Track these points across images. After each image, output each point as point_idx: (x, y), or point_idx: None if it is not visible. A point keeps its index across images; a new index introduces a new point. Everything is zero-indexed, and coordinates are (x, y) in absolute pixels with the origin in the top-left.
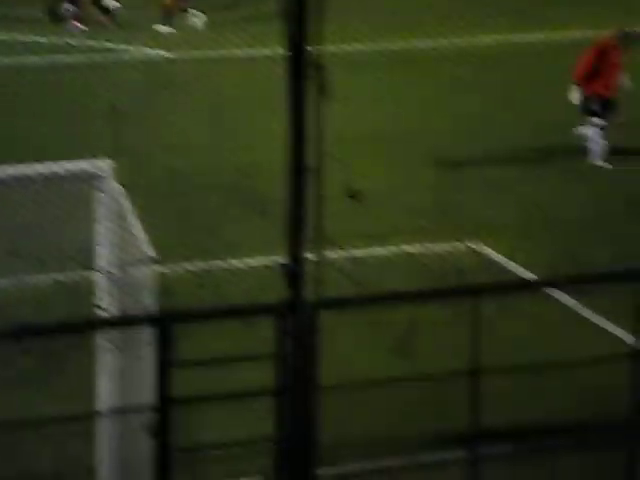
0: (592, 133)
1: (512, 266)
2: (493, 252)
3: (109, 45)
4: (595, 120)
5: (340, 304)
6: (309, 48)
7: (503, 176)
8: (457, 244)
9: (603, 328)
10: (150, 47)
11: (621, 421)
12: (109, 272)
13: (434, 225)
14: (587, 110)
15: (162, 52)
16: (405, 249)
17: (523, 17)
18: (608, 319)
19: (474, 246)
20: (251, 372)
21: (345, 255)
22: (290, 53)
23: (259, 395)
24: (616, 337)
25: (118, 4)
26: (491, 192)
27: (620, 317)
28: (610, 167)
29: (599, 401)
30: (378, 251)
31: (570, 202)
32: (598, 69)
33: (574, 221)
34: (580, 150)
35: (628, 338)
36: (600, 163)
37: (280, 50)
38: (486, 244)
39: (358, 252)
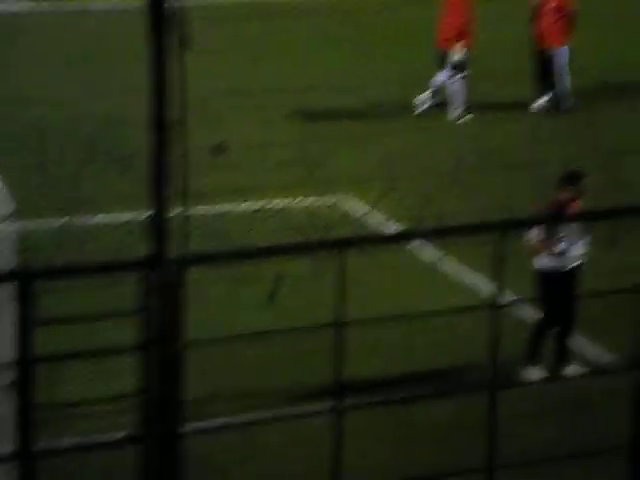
0: (454, 85)
1: (376, 218)
2: (358, 204)
3: None
4: (458, 73)
5: (205, 259)
6: (172, 3)
7: (367, 130)
8: (323, 197)
9: (464, 279)
10: None
11: (479, 369)
12: None
13: (300, 179)
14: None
15: (24, 2)
16: (272, 203)
17: None
18: (468, 269)
19: (339, 199)
20: (117, 329)
21: (211, 210)
22: (149, 5)
23: (124, 351)
24: (477, 287)
25: None
26: (356, 146)
27: (479, 267)
28: (471, 117)
29: (460, 350)
30: (244, 206)
31: (431, 154)
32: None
33: (435, 174)
34: (441, 104)
35: (486, 288)
36: (461, 116)
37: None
38: (351, 197)
39: (224, 207)
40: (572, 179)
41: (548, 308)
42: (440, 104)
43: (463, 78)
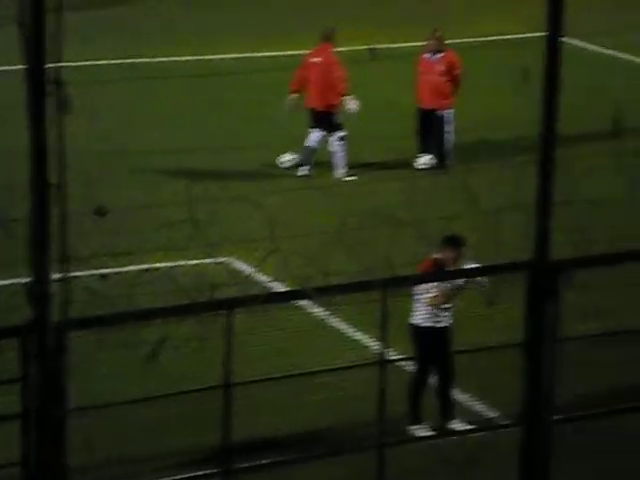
0: (336, 146)
1: (262, 278)
2: (245, 265)
3: None
4: (339, 133)
5: (88, 323)
6: (49, 64)
7: (250, 190)
8: (209, 259)
9: (351, 336)
10: None
11: (371, 427)
12: None
13: (185, 240)
14: (324, 123)
15: None
16: (157, 265)
17: (262, 36)
18: (355, 327)
19: (226, 260)
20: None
21: (94, 273)
22: (28, 70)
23: (3, 420)
24: (363, 344)
25: None
26: (239, 206)
27: (366, 325)
28: (355, 178)
29: (350, 408)
30: (128, 268)
31: (316, 214)
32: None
33: (320, 233)
34: (325, 163)
35: (374, 345)
36: (344, 175)
37: (19, 65)
38: (237, 257)
39: (107, 270)
40: (453, 242)
41: (420, 364)
42: (317, 164)
43: (343, 138)
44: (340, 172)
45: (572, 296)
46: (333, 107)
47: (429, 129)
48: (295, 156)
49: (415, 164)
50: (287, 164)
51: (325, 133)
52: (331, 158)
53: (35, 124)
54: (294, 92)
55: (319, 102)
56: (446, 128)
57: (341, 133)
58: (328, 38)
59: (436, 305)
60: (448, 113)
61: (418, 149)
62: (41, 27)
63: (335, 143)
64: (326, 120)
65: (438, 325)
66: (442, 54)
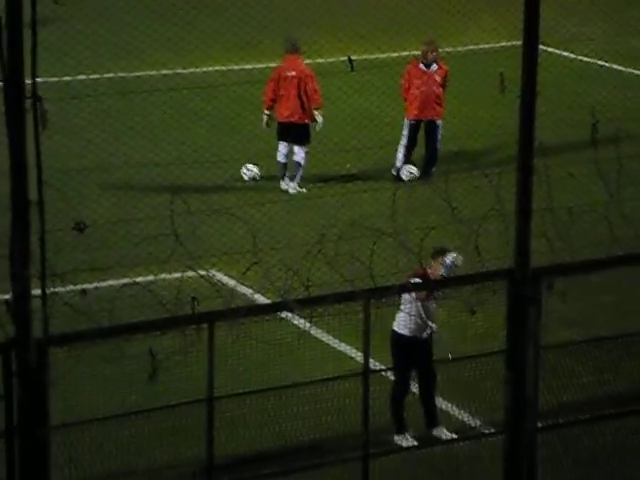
0: (303, 159)
1: (244, 291)
2: (226, 278)
3: None
4: (307, 146)
5: (69, 340)
6: (30, 85)
7: (231, 202)
8: (190, 272)
9: (334, 348)
10: None
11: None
12: None
13: (167, 254)
14: (297, 135)
15: None
16: (137, 279)
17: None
18: (338, 338)
19: (207, 273)
20: None
21: (74, 289)
22: (6, 86)
23: None
24: (347, 355)
25: None
26: (220, 219)
27: (350, 336)
28: (305, 191)
29: (335, 419)
30: (109, 283)
31: (297, 226)
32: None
33: (301, 244)
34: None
35: (358, 356)
36: (298, 188)
37: None
38: (219, 270)
39: (88, 285)
40: (441, 254)
41: (401, 373)
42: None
43: (307, 152)
44: (296, 185)
45: (554, 303)
46: (307, 119)
47: (414, 140)
48: (256, 168)
49: (402, 174)
50: (248, 175)
51: (291, 145)
52: (295, 170)
53: (14, 140)
54: (268, 107)
55: (296, 115)
56: (439, 138)
57: (307, 146)
58: (294, 49)
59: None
60: (439, 122)
61: (402, 160)
62: (19, 43)
63: (302, 155)
64: (299, 132)
65: (420, 335)
66: (437, 65)
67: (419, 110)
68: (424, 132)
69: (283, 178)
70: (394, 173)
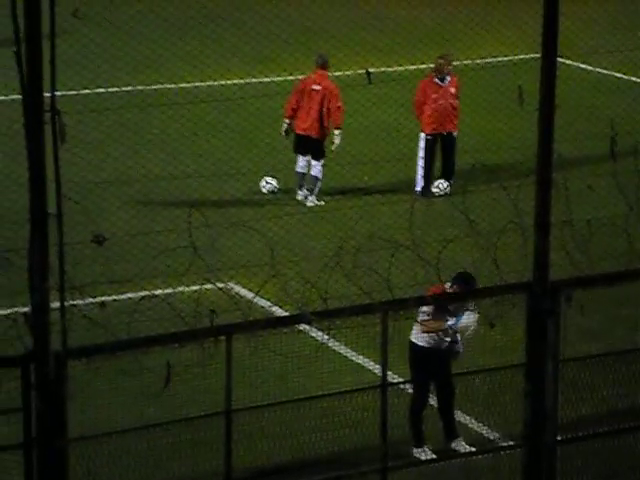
0: (320, 172)
1: (263, 303)
2: (244, 290)
3: None
4: (323, 160)
5: (87, 352)
6: (49, 99)
7: (249, 215)
8: (208, 284)
9: (352, 360)
10: None
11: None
12: None
13: (186, 266)
14: (314, 150)
15: None
16: (155, 292)
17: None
18: (356, 351)
19: (225, 285)
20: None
21: (93, 301)
22: (25, 99)
23: (6, 450)
24: (365, 368)
25: None
26: (238, 231)
27: (367, 349)
28: (323, 204)
29: (354, 431)
30: (127, 295)
31: (315, 238)
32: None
33: (319, 257)
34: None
35: (376, 368)
36: (315, 201)
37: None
38: (237, 283)
39: (107, 298)
40: (464, 280)
41: (420, 386)
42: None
43: (324, 166)
44: (314, 198)
45: (573, 316)
46: (326, 135)
47: (434, 153)
48: (274, 181)
49: (433, 189)
50: (267, 188)
51: (309, 158)
52: (312, 183)
53: (33, 153)
54: (289, 117)
55: (315, 130)
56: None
57: (323, 161)
58: (324, 64)
59: (427, 331)
60: (455, 134)
61: (424, 175)
62: (37, 56)
63: (318, 169)
64: (315, 147)
65: (438, 346)
66: (450, 77)
67: (437, 124)
68: (441, 145)
69: (301, 188)
70: (418, 191)
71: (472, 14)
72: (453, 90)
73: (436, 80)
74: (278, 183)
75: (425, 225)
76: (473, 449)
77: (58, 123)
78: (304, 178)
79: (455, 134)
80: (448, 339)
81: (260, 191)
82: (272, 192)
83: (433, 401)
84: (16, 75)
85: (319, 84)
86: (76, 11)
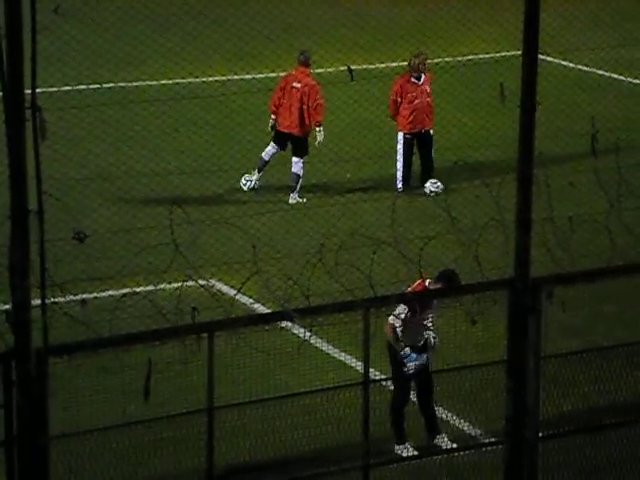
0: (301, 169)
1: (244, 301)
2: (226, 287)
3: None
4: (305, 158)
5: (68, 349)
6: (30, 95)
7: (231, 212)
8: (190, 282)
9: (334, 357)
10: None
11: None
12: None
13: (165, 264)
14: (296, 147)
15: None
16: (136, 289)
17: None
18: (338, 348)
19: (207, 283)
20: None
21: (74, 299)
22: (6, 95)
23: None
24: (347, 365)
25: None
26: (220, 228)
27: (349, 346)
28: (304, 201)
29: (333, 429)
30: (108, 293)
31: (297, 236)
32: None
33: (301, 254)
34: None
35: (358, 365)
36: (297, 199)
37: None
38: (219, 280)
39: (88, 295)
40: (447, 278)
41: (399, 383)
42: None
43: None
44: (295, 195)
45: (554, 313)
46: (307, 132)
47: (412, 153)
48: (255, 176)
49: (427, 190)
50: (249, 185)
51: (279, 151)
52: (293, 181)
53: (13, 150)
54: (273, 112)
55: (296, 127)
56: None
57: (305, 158)
58: (306, 62)
59: (390, 336)
60: (431, 131)
61: (404, 173)
62: (18, 52)
63: (300, 166)
64: (299, 144)
65: (416, 343)
66: (424, 75)
67: (415, 123)
68: (418, 143)
69: (259, 172)
70: (400, 188)
71: (453, 11)
72: (428, 88)
73: (412, 79)
74: (259, 180)
75: (407, 222)
76: (455, 445)
77: (39, 119)
78: (266, 164)
79: (431, 131)
80: (425, 335)
81: (241, 188)
82: (253, 189)
83: (414, 398)
84: None
85: (300, 81)
86: (57, 8)
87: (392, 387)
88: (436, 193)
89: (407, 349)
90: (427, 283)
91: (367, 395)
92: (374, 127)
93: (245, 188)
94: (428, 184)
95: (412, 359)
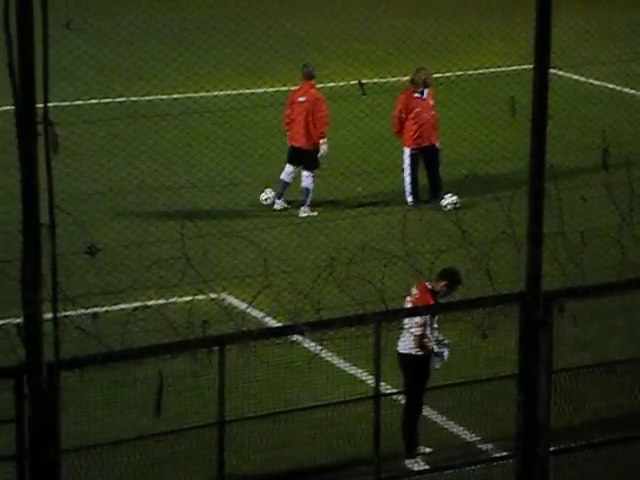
0: (311, 184)
1: (255, 314)
2: (237, 301)
3: None
4: (315, 171)
5: (80, 363)
6: (42, 110)
7: (242, 226)
8: (201, 295)
9: (345, 371)
10: None
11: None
12: None
13: (177, 277)
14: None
15: None
16: (148, 303)
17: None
18: (349, 361)
19: (218, 296)
20: None
21: (86, 312)
22: (18, 110)
23: None
24: (358, 378)
25: None
26: (231, 242)
27: (361, 359)
28: (316, 214)
29: (345, 443)
30: (120, 306)
31: (307, 249)
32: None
33: (312, 268)
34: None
35: (369, 379)
36: (308, 212)
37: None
38: (230, 293)
39: (100, 309)
40: (449, 277)
41: (411, 394)
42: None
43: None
44: (306, 209)
45: (565, 327)
46: (316, 146)
47: (417, 166)
48: (274, 193)
49: (442, 205)
50: (269, 200)
51: (300, 169)
52: (303, 195)
53: (26, 164)
54: (287, 129)
55: (304, 141)
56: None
57: (315, 172)
58: (310, 75)
59: (419, 337)
60: (438, 145)
61: (413, 189)
62: (30, 67)
63: (310, 181)
64: (309, 158)
65: (427, 354)
66: (427, 90)
67: (420, 137)
68: (424, 158)
69: (280, 197)
70: (410, 202)
71: (464, 25)
72: (431, 102)
73: (416, 94)
74: (284, 204)
75: (418, 236)
76: (466, 460)
77: (51, 134)
78: (285, 187)
79: (438, 145)
80: (436, 347)
81: (253, 202)
82: (273, 204)
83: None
84: (9, 86)
85: (304, 95)
86: (69, 22)
87: (403, 401)
88: (453, 207)
89: (436, 348)
90: (429, 285)
91: (379, 409)
92: (385, 141)
93: (264, 202)
94: (445, 199)
95: (443, 354)
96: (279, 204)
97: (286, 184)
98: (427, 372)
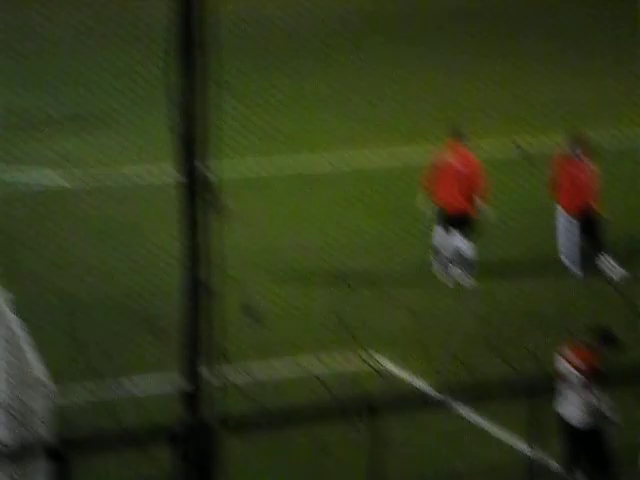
0: (468, 249)
1: (408, 377)
2: (392, 365)
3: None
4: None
5: (243, 426)
6: (203, 171)
7: (395, 290)
8: (357, 359)
9: (499, 438)
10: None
11: None
12: (5, 403)
13: (335, 341)
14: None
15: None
16: (305, 365)
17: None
18: (503, 429)
19: (374, 360)
20: None
21: (246, 374)
22: (183, 176)
23: None
24: (511, 447)
25: None
26: (385, 305)
27: (514, 427)
28: (472, 281)
29: None
30: (276, 367)
31: (457, 315)
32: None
33: (467, 333)
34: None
35: (522, 447)
36: (467, 279)
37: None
38: (386, 357)
39: (255, 368)
40: (611, 339)
41: (566, 462)
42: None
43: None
44: (465, 275)
45: None
46: (472, 209)
47: (577, 239)
48: (448, 270)
49: (615, 276)
50: (440, 268)
51: (450, 230)
52: (462, 262)
53: (189, 227)
54: (430, 192)
55: (458, 203)
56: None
57: (473, 237)
58: (459, 135)
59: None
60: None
61: (574, 262)
62: (194, 133)
63: (468, 246)
64: (464, 222)
65: (595, 425)
66: (584, 153)
67: (578, 202)
68: (583, 223)
69: (447, 266)
70: (572, 270)
71: (620, 86)
72: (591, 166)
73: (573, 157)
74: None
75: (578, 304)
76: None
77: (218, 199)
78: (439, 251)
79: (598, 211)
80: (606, 414)
81: (410, 264)
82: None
83: None
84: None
85: (459, 158)
86: (226, 82)
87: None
88: (613, 277)
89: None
90: (588, 348)
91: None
92: (545, 206)
93: (437, 271)
94: (606, 266)
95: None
96: (437, 269)
97: (438, 248)
98: (588, 443)
